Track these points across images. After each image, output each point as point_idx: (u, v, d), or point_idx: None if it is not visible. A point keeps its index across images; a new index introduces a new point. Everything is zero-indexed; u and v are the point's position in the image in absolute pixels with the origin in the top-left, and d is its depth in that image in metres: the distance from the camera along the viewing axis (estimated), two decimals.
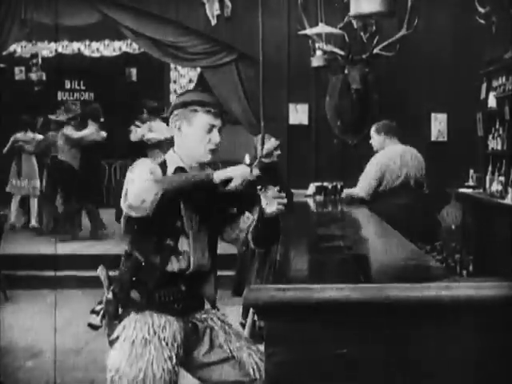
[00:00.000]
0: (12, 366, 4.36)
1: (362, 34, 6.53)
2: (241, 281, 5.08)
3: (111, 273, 2.36)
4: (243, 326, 4.76)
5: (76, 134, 7.81)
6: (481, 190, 6.55)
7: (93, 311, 2.34)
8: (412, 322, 1.93)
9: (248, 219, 2.48)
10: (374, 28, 6.52)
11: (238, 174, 2.19)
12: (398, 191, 4.77)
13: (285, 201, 2.40)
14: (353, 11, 4.42)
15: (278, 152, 5.45)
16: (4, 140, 8.59)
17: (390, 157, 4.85)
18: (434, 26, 7.13)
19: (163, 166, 2.31)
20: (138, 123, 7.82)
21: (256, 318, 2.08)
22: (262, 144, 5.55)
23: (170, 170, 2.30)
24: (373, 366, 1.91)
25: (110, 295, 2.30)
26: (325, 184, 5.14)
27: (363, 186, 4.84)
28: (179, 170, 2.30)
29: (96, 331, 2.34)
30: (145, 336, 2.24)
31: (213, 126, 2.32)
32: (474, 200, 6.35)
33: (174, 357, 2.25)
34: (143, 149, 7.57)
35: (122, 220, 2.30)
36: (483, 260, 5.09)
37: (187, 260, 2.30)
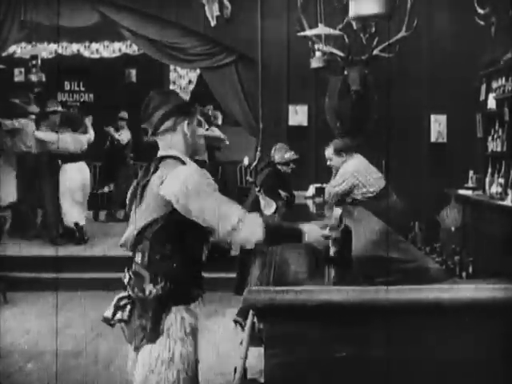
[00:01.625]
0: (12, 368, 4.36)
1: (361, 35, 6.53)
2: (242, 279, 5.10)
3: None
4: (236, 323, 4.80)
5: (46, 137, 7.70)
6: (480, 192, 6.55)
7: (117, 308, 2.36)
8: (412, 323, 1.93)
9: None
10: (374, 29, 6.52)
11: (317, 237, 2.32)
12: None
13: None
14: (352, 13, 4.43)
15: (294, 166, 5.49)
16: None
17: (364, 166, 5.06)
18: (433, 27, 7.13)
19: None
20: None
21: (255, 319, 2.07)
22: (260, 146, 5.57)
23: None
24: (373, 366, 1.91)
25: (154, 290, 2.31)
26: (324, 185, 5.16)
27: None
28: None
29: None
30: (189, 327, 2.32)
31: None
32: (474, 201, 6.34)
33: (197, 350, 2.36)
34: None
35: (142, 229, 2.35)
36: (483, 262, 5.08)
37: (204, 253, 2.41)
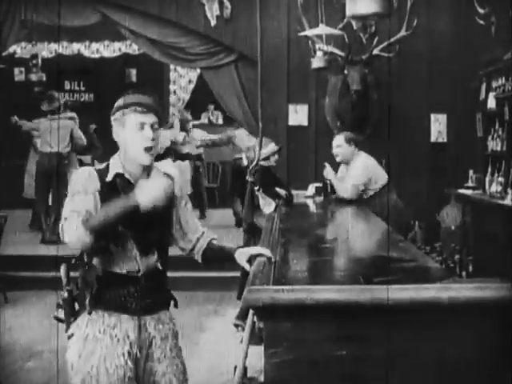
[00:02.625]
0: (12, 366, 4.37)
1: (361, 34, 6.53)
2: (244, 285, 5.09)
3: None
4: (237, 327, 4.78)
5: None
6: (480, 191, 6.55)
7: (58, 305, 2.41)
8: (412, 322, 1.93)
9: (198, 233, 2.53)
10: (374, 29, 6.53)
11: (157, 187, 2.23)
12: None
13: None
14: (348, 12, 4.44)
15: (276, 157, 5.45)
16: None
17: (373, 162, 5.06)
18: (433, 26, 7.12)
19: (105, 171, 2.35)
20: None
21: (255, 319, 2.07)
22: (260, 146, 5.57)
23: (110, 175, 2.34)
24: (372, 365, 1.91)
25: (66, 294, 2.37)
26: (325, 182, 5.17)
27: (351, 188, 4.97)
28: (118, 176, 2.33)
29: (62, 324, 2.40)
30: (95, 333, 2.32)
31: (143, 124, 2.33)
32: (474, 201, 6.35)
33: (126, 353, 2.32)
34: None
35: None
36: (483, 261, 5.09)
37: (136, 262, 2.35)
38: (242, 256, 2.48)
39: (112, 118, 2.38)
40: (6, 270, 6.15)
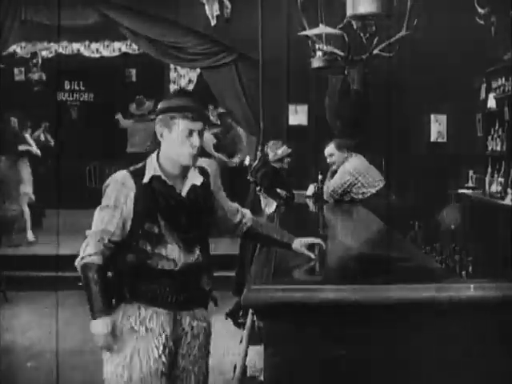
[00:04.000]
0: (12, 366, 4.36)
1: (361, 34, 6.52)
2: (241, 281, 5.09)
3: None
4: (227, 315, 4.80)
5: None
6: (480, 191, 6.55)
7: None
8: (412, 322, 1.93)
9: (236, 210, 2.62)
10: (374, 28, 6.52)
11: (98, 333, 2.32)
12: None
13: None
14: (349, 12, 4.44)
15: (289, 159, 5.46)
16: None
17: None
18: (433, 26, 7.12)
19: (141, 171, 2.36)
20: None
21: (255, 317, 2.08)
22: (261, 145, 5.56)
23: (147, 177, 2.35)
24: (372, 365, 1.91)
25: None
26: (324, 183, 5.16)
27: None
28: (155, 179, 2.35)
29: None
30: (132, 325, 2.33)
31: (192, 131, 2.33)
32: (474, 201, 6.35)
33: (161, 346, 2.33)
34: None
35: None
36: (483, 261, 5.09)
37: (174, 259, 2.36)
38: (299, 245, 2.56)
39: (158, 117, 2.38)
40: (6, 270, 6.15)
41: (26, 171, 7.57)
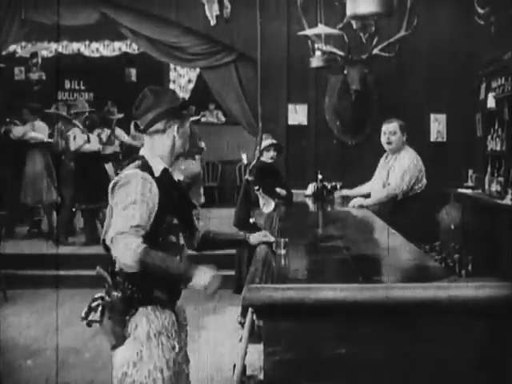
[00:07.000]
0: (12, 365, 4.37)
1: (361, 34, 6.54)
2: (240, 278, 5.10)
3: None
4: (242, 325, 4.76)
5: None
6: (480, 191, 6.56)
7: (90, 309, 2.38)
8: (411, 321, 1.93)
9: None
10: (374, 28, 6.53)
11: (206, 281, 2.24)
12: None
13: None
14: (349, 12, 4.44)
15: (272, 154, 5.36)
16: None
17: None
18: (433, 26, 7.13)
19: (146, 167, 2.36)
20: (16, 122, 7.71)
21: (255, 317, 2.07)
22: (260, 144, 5.56)
23: (158, 171, 2.37)
24: (372, 365, 1.91)
25: (119, 293, 2.33)
26: (324, 183, 5.15)
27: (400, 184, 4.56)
28: (165, 171, 2.40)
29: (91, 328, 2.37)
30: (157, 328, 2.33)
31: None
32: (473, 200, 6.35)
33: (176, 346, 2.37)
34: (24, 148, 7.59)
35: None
36: (482, 260, 5.09)
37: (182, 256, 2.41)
38: (256, 238, 2.67)
39: (170, 115, 2.45)
40: (6, 269, 6.15)
41: None
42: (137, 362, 2.30)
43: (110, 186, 2.34)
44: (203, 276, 2.22)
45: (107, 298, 2.35)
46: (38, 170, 7.65)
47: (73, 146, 7.39)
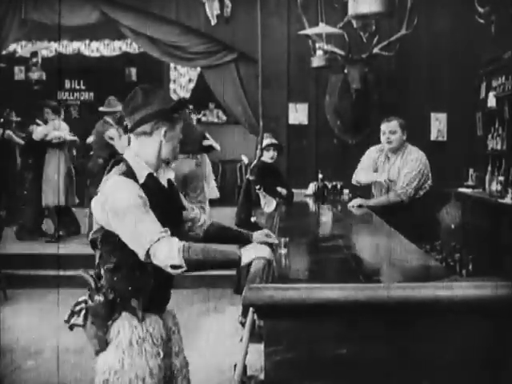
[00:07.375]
0: (12, 365, 4.37)
1: (361, 33, 6.54)
2: (240, 278, 5.10)
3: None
4: (243, 324, 4.77)
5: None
6: (480, 190, 6.56)
7: (72, 312, 2.35)
8: (412, 321, 1.93)
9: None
10: (374, 28, 6.53)
11: (261, 255, 2.23)
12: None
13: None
14: (351, 11, 4.43)
15: (272, 153, 5.35)
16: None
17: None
18: (433, 25, 7.13)
19: (131, 175, 2.27)
20: (38, 121, 7.67)
21: (255, 317, 2.07)
22: (261, 144, 5.55)
23: (143, 177, 2.28)
24: (372, 365, 1.91)
25: (102, 297, 2.29)
26: (324, 182, 5.14)
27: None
28: (150, 176, 2.30)
29: (71, 331, 2.35)
30: (140, 335, 2.28)
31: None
32: (474, 199, 6.35)
33: (161, 353, 2.32)
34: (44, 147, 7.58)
35: (93, 235, 2.31)
36: (483, 259, 5.08)
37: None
38: (259, 236, 2.57)
39: (159, 117, 2.34)
40: (6, 268, 6.16)
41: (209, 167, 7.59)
42: (118, 370, 2.26)
43: (100, 190, 2.27)
44: (259, 249, 2.24)
45: (90, 302, 2.31)
46: (59, 171, 7.60)
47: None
